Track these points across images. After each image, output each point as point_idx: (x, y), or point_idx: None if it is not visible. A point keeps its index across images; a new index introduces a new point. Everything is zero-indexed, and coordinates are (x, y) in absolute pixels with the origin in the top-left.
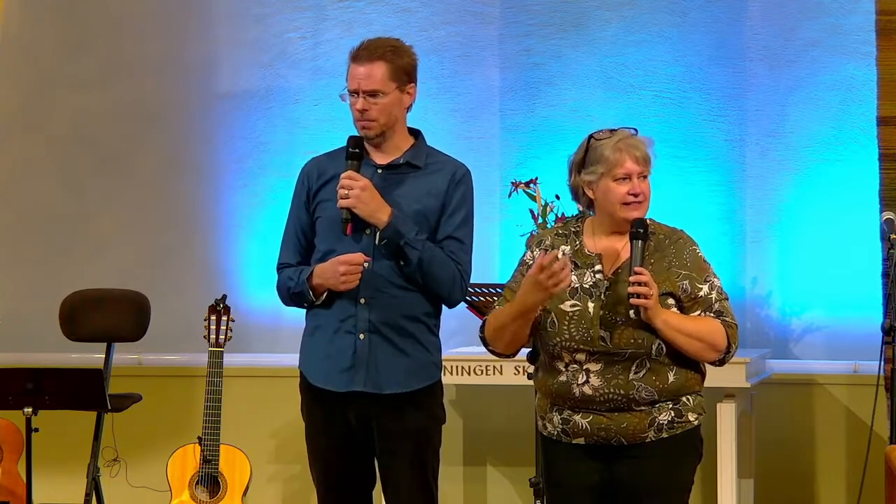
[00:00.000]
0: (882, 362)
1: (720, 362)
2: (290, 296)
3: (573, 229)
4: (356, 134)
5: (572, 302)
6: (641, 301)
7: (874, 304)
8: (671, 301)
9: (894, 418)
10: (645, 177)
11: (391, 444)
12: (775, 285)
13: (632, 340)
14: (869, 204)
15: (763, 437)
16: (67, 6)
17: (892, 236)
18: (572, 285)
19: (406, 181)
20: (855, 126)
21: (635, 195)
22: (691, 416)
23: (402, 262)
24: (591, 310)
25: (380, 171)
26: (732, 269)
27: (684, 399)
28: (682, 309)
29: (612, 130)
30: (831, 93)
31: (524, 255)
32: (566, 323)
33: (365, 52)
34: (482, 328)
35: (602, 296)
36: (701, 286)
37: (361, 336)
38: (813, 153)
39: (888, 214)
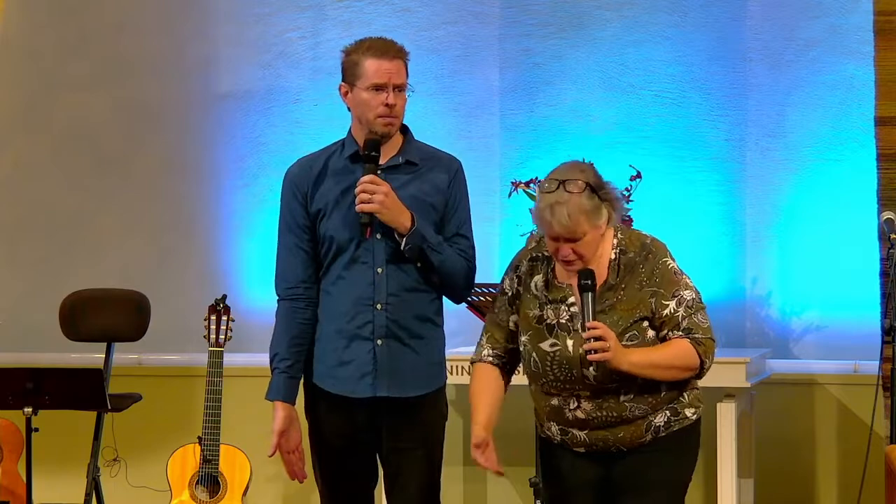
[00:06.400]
0: (881, 362)
1: (697, 377)
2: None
3: (546, 252)
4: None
5: (552, 341)
6: (599, 356)
7: (874, 304)
8: (646, 324)
9: (894, 418)
10: (574, 240)
11: (402, 443)
12: (775, 285)
13: (615, 376)
14: (869, 204)
15: (763, 437)
16: (67, 6)
17: (892, 236)
18: (548, 322)
19: (407, 181)
20: (855, 126)
21: (567, 261)
22: (688, 412)
23: (419, 265)
24: (570, 348)
25: (379, 171)
26: (732, 269)
27: (680, 398)
28: (655, 328)
29: (554, 182)
30: (831, 93)
31: (503, 282)
32: (549, 363)
33: (391, 48)
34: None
35: (580, 330)
36: (667, 303)
37: (379, 342)
38: (813, 153)
39: (888, 214)
